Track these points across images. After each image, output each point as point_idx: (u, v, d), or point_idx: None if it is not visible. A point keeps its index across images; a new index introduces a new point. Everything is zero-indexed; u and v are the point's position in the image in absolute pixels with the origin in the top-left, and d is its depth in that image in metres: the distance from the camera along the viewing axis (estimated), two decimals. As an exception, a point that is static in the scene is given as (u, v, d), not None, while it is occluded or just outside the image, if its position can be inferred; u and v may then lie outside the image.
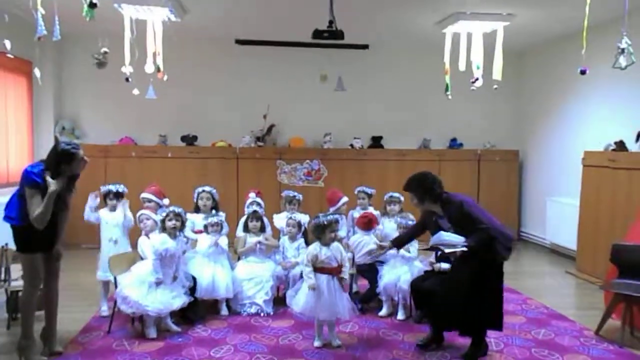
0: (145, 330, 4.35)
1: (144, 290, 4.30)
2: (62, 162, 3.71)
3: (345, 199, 5.56)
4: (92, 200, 4.74)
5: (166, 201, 5.24)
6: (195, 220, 5.25)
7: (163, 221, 4.48)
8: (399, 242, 4.48)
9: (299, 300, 4.19)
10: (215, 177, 7.71)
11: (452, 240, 3.92)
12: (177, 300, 4.42)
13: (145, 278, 4.37)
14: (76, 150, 3.75)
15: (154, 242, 4.46)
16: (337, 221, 4.31)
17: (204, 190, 5.33)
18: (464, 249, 3.84)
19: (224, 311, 4.94)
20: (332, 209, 5.38)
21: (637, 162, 5.71)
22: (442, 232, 3.97)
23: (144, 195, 5.18)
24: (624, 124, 6.37)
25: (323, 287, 4.12)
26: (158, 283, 4.34)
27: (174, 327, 4.49)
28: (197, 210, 5.34)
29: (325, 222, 4.18)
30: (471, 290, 3.83)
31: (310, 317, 4.25)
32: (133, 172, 7.40)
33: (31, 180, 3.65)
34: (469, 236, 3.82)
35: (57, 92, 8.10)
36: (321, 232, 4.18)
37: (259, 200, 5.60)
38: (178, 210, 4.56)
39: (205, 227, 5.07)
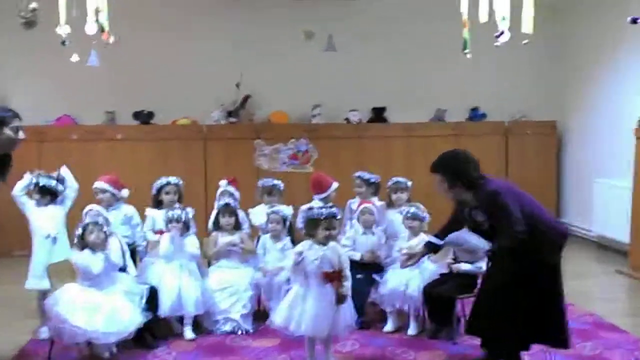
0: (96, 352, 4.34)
1: (86, 315, 4.18)
2: None
3: (335, 184, 5.58)
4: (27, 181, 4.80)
5: (125, 192, 5.25)
6: (156, 217, 5.25)
7: (82, 235, 4.37)
8: (436, 245, 4.28)
9: (281, 309, 4.17)
10: (177, 163, 7.71)
11: (474, 243, 3.95)
12: (132, 321, 4.35)
13: (82, 300, 4.26)
14: (14, 114, 3.76)
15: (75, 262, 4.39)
16: (335, 216, 4.23)
17: (169, 183, 5.33)
18: (483, 263, 4.00)
19: (189, 335, 4.82)
20: (317, 198, 5.38)
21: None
22: (464, 231, 4.00)
23: (98, 185, 5.19)
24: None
25: (308, 295, 4.09)
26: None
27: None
28: (157, 205, 5.34)
29: (322, 217, 4.14)
30: (516, 296, 3.84)
31: (293, 332, 4.17)
32: (74, 158, 7.32)
33: None
34: (498, 236, 3.81)
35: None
36: (313, 228, 4.17)
37: (231, 189, 5.60)
38: (100, 220, 4.52)
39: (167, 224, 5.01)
